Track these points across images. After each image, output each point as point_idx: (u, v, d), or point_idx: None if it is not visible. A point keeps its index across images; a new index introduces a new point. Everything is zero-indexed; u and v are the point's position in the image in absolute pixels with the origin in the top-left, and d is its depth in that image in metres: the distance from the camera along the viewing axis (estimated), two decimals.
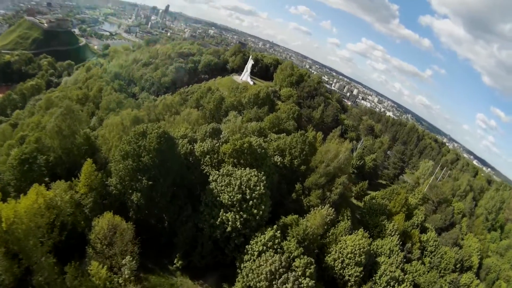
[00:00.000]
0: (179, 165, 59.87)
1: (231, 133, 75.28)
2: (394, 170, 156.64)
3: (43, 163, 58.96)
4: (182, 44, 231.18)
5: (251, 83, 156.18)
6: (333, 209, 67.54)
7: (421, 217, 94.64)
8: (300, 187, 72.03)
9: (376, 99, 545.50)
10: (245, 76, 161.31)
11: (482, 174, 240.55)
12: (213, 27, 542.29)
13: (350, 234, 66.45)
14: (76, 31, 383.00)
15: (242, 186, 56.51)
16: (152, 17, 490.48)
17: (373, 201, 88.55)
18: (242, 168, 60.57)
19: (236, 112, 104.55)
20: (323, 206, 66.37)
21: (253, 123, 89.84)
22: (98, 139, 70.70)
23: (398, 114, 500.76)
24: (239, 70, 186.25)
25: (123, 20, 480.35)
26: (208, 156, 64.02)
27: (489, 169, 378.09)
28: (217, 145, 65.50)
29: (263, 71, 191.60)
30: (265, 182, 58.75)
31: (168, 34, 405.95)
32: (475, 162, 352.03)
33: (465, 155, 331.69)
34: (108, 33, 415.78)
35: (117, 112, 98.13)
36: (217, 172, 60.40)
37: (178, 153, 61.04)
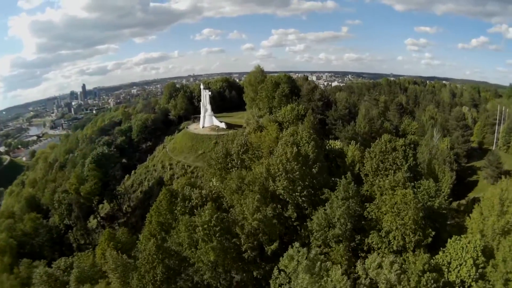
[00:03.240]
0: None
1: None
2: None
3: None
4: (105, 116, 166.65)
5: (223, 126, 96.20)
6: None
7: None
8: None
9: (314, 78, 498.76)
10: (207, 119, 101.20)
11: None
12: (134, 87, 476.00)
13: None
14: (1, 149, 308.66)
15: None
16: (73, 102, 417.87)
17: None
18: None
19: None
20: None
21: None
22: None
23: (340, 80, 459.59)
24: (190, 115, 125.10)
25: (47, 118, 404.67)
26: None
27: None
28: None
29: (217, 101, 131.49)
30: None
31: (94, 111, 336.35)
32: None
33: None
34: (35, 137, 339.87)
35: None
36: None
37: None
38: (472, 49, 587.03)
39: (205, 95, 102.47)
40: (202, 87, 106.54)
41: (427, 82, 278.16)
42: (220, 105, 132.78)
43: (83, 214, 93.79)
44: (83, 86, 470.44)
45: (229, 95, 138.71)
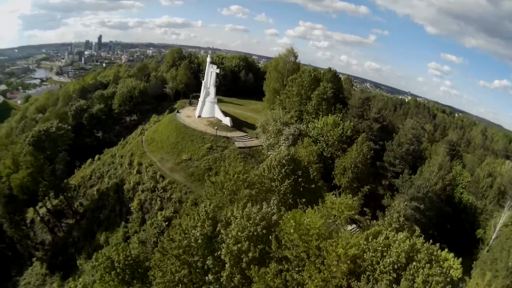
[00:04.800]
0: None
1: None
2: None
3: None
4: (98, 73, 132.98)
5: (227, 122, 64.06)
6: None
7: None
8: None
9: None
10: (207, 108, 69.01)
11: None
12: (151, 47, 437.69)
13: None
14: (4, 86, 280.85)
15: None
16: (86, 52, 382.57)
17: None
18: None
19: None
20: None
21: None
22: None
23: (358, 86, 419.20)
24: (190, 93, 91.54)
25: (56, 63, 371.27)
26: None
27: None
28: None
29: (229, 82, 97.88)
30: None
31: (104, 65, 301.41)
32: None
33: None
34: (38, 81, 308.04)
35: None
36: None
37: None
38: (493, 89, 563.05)
39: (211, 72, 68.22)
40: (208, 59, 71.93)
41: (456, 114, 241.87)
42: (231, 88, 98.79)
43: (17, 207, 62.55)
44: (99, 37, 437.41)
45: (244, 78, 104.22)
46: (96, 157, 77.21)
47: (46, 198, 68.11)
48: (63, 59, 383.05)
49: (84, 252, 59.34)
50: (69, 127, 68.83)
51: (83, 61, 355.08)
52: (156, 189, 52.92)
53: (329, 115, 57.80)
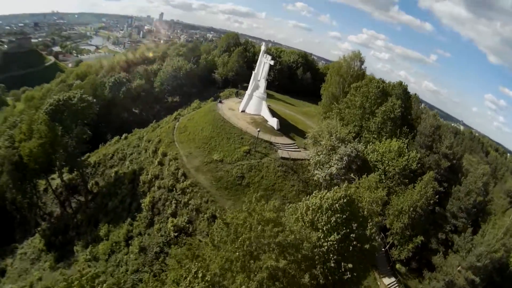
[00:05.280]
0: None
1: None
2: None
3: None
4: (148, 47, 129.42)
5: (274, 124, 54.77)
6: None
7: None
8: None
9: None
10: (254, 103, 60.41)
11: None
12: (212, 32, 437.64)
13: None
14: (58, 48, 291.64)
15: None
16: (146, 27, 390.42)
17: None
18: None
19: None
20: None
21: None
22: None
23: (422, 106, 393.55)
24: (239, 83, 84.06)
25: (114, 33, 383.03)
26: None
27: None
28: None
29: (284, 78, 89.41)
30: None
31: (162, 41, 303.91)
32: None
33: None
34: (93, 48, 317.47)
35: None
36: None
37: None
38: None
39: (264, 63, 59.24)
40: (263, 48, 62.98)
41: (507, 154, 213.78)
42: (285, 85, 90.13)
43: (26, 174, 57.81)
44: (161, 15, 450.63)
45: (301, 76, 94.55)
46: (124, 136, 71.31)
47: (61, 171, 63.10)
48: (121, 30, 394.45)
49: (83, 239, 53.25)
50: (94, 100, 62.09)
51: (141, 35, 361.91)
52: (174, 189, 44.81)
53: (393, 138, 48.21)
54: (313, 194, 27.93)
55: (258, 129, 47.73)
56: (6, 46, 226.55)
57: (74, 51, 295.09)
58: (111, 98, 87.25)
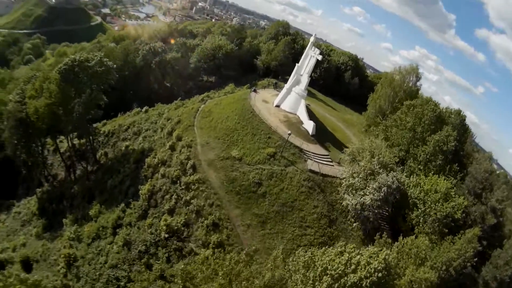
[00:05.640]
0: None
1: None
2: None
3: None
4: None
5: (309, 128, 47.46)
6: None
7: None
8: None
9: None
10: (291, 99, 52.33)
11: None
12: (265, 20, 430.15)
13: None
14: (107, 10, 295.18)
15: None
16: (200, 3, 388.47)
17: None
18: None
19: None
20: None
21: None
22: None
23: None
24: (280, 74, 77.15)
25: (167, 4, 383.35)
26: None
27: None
28: None
29: (330, 78, 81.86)
30: None
31: (213, 20, 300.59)
32: None
33: None
34: (143, 15, 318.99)
35: None
36: None
37: None
38: None
39: (310, 56, 51.62)
40: (312, 39, 55.41)
41: None
42: (330, 86, 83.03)
43: (32, 133, 54.01)
44: None
45: (348, 80, 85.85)
46: (145, 108, 66.19)
47: (68, 135, 58.89)
48: (175, 3, 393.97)
49: (74, 213, 48.86)
50: (114, 65, 56.09)
51: (193, 11, 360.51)
52: (178, 181, 38.63)
53: (441, 174, 39.86)
54: (337, 247, 20.59)
55: (289, 132, 40.20)
56: (54, 0, 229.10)
57: (123, 16, 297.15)
58: (142, 67, 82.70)
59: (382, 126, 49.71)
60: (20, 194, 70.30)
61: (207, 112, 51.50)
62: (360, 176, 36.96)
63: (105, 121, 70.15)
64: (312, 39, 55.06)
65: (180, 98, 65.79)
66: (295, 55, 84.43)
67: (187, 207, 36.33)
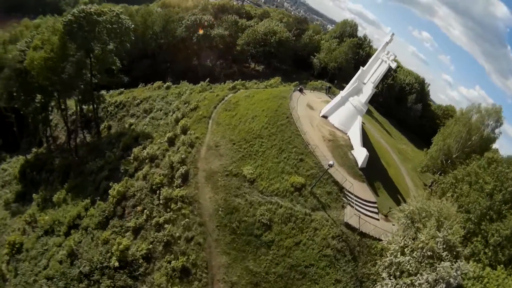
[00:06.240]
0: None
1: None
2: None
3: None
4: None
5: (359, 159, 34.05)
6: None
7: None
8: None
9: None
10: (344, 111, 39.04)
11: None
12: (333, 24, 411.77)
13: None
14: None
15: None
16: None
17: None
18: None
19: None
20: None
21: None
22: None
23: None
24: (336, 78, 65.13)
25: None
26: None
27: None
28: None
29: (391, 98, 68.57)
30: None
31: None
32: None
33: None
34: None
35: None
36: None
37: None
38: None
39: (381, 61, 38.35)
40: (388, 38, 40.52)
41: None
42: (389, 106, 70.22)
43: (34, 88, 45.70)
44: None
45: (411, 104, 71.02)
46: (166, 84, 55.99)
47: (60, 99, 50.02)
48: None
49: (45, 191, 39.71)
50: (132, 25, 45.84)
51: (263, 1, 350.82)
52: (158, 193, 27.76)
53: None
54: None
55: (332, 163, 26.95)
56: None
57: None
58: (184, 39, 73.01)
59: (451, 178, 35.76)
60: (22, 149, 63.94)
61: (233, 104, 40.09)
62: (414, 255, 23.87)
63: (122, 89, 61.14)
64: (388, 38, 41.27)
65: (208, 80, 54.51)
66: (358, 62, 71.21)
67: (157, 232, 25.22)
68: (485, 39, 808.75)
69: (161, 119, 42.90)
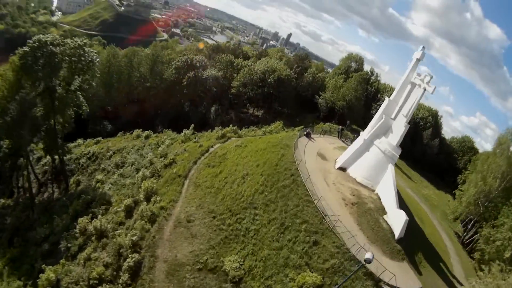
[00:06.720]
0: None
1: None
2: None
3: None
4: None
5: (397, 227, 23.76)
6: None
7: None
8: None
9: None
10: (368, 163, 29.08)
11: None
12: (333, 68, 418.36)
13: None
14: (178, 31, 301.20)
15: None
16: (271, 42, 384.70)
17: None
18: None
19: None
20: None
21: None
22: None
23: None
24: (347, 118, 56.95)
25: (239, 36, 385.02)
26: None
27: None
28: None
29: (407, 135, 60.02)
30: None
31: None
32: None
33: None
34: (214, 42, 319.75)
35: None
36: None
37: None
38: None
39: (414, 87, 28.90)
40: (417, 55, 30.12)
41: None
42: (404, 145, 59.86)
43: None
44: (289, 35, 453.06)
45: (427, 140, 61.74)
46: (145, 133, 47.07)
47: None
48: (247, 36, 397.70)
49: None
50: (97, 59, 37.94)
51: (264, 47, 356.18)
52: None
53: None
54: None
55: (369, 256, 15.61)
56: (123, 8, 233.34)
57: (192, 39, 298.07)
58: (174, 81, 65.79)
59: (507, 231, 26.31)
60: None
61: (219, 158, 30.91)
62: None
63: (99, 138, 52.61)
64: (417, 55, 31.52)
65: (192, 127, 45.27)
66: (367, 100, 63.08)
67: None
68: (482, 63, 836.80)
69: (128, 177, 33.58)
